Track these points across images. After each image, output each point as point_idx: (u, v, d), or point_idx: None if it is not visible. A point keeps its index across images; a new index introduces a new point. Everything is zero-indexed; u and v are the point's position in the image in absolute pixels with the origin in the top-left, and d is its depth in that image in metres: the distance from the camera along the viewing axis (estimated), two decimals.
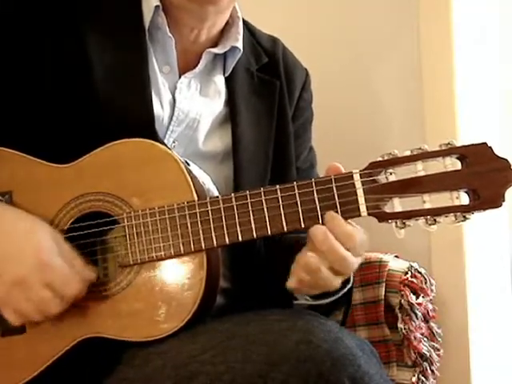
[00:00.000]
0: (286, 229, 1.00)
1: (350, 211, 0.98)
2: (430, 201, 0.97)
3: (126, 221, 1.03)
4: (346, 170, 1.00)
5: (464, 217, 0.96)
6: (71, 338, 1.03)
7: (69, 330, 1.03)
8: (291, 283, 1.00)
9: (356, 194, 0.98)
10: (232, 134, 1.21)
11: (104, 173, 1.06)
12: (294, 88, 1.31)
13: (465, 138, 1.66)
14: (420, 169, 0.97)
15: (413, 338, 1.54)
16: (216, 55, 1.22)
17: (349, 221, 0.99)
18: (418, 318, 1.55)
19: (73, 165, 1.07)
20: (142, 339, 1.01)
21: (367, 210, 0.98)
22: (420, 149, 0.97)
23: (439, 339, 1.59)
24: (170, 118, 1.16)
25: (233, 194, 1.01)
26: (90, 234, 1.05)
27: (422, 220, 0.98)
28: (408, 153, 0.98)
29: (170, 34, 1.15)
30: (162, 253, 1.02)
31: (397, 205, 0.98)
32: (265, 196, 1.00)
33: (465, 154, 0.96)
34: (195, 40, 1.19)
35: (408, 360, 1.55)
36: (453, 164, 0.97)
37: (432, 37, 1.76)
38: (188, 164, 1.12)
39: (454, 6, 1.72)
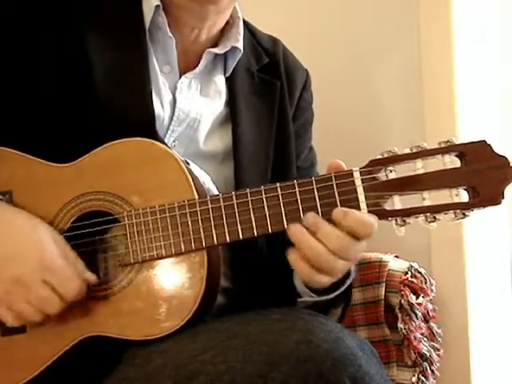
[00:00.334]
0: (286, 226, 0.99)
1: (350, 208, 0.98)
2: (430, 198, 0.97)
3: (126, 219, 1.03)
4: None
5: (463, 214, 0.96)
6: (71, 337, 1.02)
7: (69, 329, 1.03)
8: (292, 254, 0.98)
9: (356, 192, 0.98)
10: (232, 134, 1.21)
11: (104, 172, 1.05)
12: (295, 88, 1.31)
13: (465, 137, 1.63)
14: (419, 166, 0.97)
15: (413, 338, 1.54)
16: (216, 55, 1.22)
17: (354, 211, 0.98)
18: (417, 318, 1.55)
19: (73, 164, 1.06)
20: (143, 338, 1.01)
21: (367, 207, 0.98)
22: (419, 146, 0.97)
23: (439, 339, 1.59)
24: (171, 118, 1.16)
25: (233, 192, 1.01)
26: (90, 232, 1.05)
27: (421, 217, 0.98)
28: (407, 150, 0.98)
29: (170, 34, 1.15)
30: (163, 251, 1.02)
31: (397, 202, 0.98)
32: (265, 194, 1.00)
33: (464, 151, 0.97)
34: (195, 40, 1.19)
35: (408, 360, 1.56)
36: (452, 162, 0.97)
37: (432, 37, 1.77)
38: (188, 164, 1.11)
39: (454, 6, 1.73)
